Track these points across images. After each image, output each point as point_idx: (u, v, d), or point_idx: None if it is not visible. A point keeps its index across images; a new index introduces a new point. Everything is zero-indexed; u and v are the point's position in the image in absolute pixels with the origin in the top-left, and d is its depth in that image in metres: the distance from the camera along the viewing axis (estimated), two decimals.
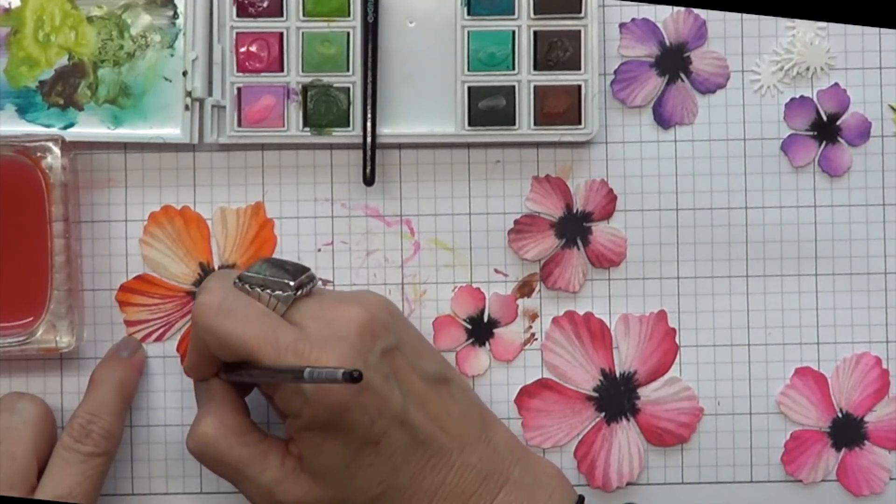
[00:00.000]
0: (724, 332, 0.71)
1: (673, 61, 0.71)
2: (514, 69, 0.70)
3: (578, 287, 0.71)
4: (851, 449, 0.71)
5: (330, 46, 0.70)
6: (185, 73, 0.70)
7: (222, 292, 0.64)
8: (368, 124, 0.69)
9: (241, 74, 0.70)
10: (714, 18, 0.71)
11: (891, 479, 0.71)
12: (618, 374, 0.71)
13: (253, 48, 0.70)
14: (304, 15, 0.70)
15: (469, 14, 0.70)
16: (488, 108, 0.70)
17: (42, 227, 0.68)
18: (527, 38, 0.70)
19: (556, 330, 0.71)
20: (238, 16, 0.70)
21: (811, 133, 0.71)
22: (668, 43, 0.71)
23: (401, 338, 0.65)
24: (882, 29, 0.71)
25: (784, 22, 0.71)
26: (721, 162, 0.71)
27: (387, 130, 0.70)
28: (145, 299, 0.71)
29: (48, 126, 0.70)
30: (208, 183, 0.71)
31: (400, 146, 0.71)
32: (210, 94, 0.70)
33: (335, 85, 0.70)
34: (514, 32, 0.70)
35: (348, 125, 0.70)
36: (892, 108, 0.71)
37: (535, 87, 0.70)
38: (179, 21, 0.70)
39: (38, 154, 0.67)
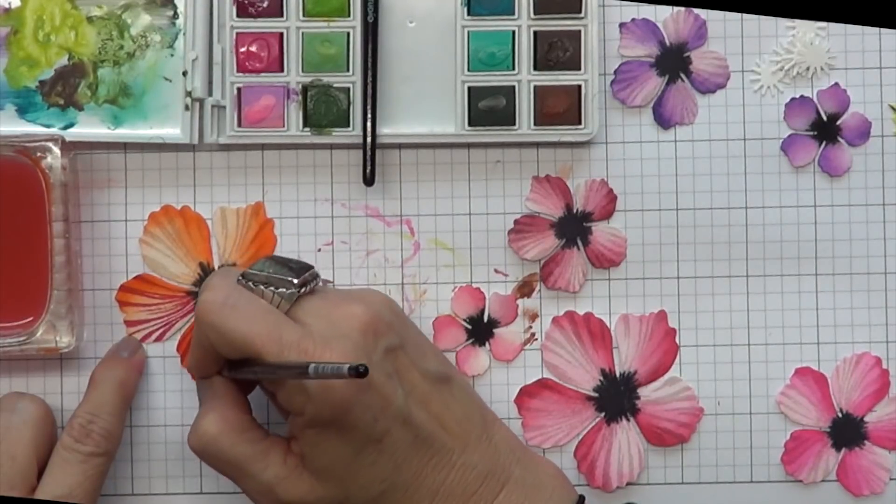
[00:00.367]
0: (724, 332, 0.71)
1: (673, 61, 0.71)
2: (514, 69, 0.70)
3: (578, 287, 0.71)
4: (851, 449, 0.71)
5: (330, 46, 0.70)
6: (185, 73, 0.70)
7: (226, 289, 0.64)
8: (368, 124, 0.69)
9: (241, 74, 0.70)
10: (714, 18, 0.71)
11: (891, 479, 0.71)
12: (618, 374, 0.71)
13: (253, 48, 0.70)
14: (304, 15, 0.70)
15: (469, 14, 0.70)
16: (488, 108, 0.70)
17: (42, 227, 0.68)
18: (527, 38, 0.70)
19: (556, 330, 0.71)
20: (238, 16, 0.70)
21: (811, 133, 0.71)
22: (668, 43, 0.71)
23: (404, 336, 0.65)
24: (882, 29, 0.71)
25: (784, 22, 0.71)
26: (721, 162, 0.71)
27: (387, 130, 0.70)
28: (145, 299, 0.71)
29: (48, 126, 0.70)
30: (208, 183, 0.71)
31: (400, 146, 0.71)
32: (210, 94, 0.70)
33: (335, 85, 0.70)
34: (514, 32, 0.70)
35: (348, 125, 0.70)
36: (892, 108, 0.71)
37: (535, 87, 0.70)
38: (179, 21, 0.70)
39: (38, 154, 0.67)
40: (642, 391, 0.71)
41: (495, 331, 0.71)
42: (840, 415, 0.71)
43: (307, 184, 0.71)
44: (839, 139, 0.71)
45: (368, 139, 0.69)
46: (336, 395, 0.61)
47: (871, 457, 0.71)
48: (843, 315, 0.71)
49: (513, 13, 0.70)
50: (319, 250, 0.71)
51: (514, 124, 0.70)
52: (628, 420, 0.71)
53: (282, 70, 0.70)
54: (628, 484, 0.71)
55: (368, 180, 0.69)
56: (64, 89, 0.70)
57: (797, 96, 0.71)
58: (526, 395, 0.71)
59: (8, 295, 0.68)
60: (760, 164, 0.71)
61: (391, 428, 0.63)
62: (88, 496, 0.66)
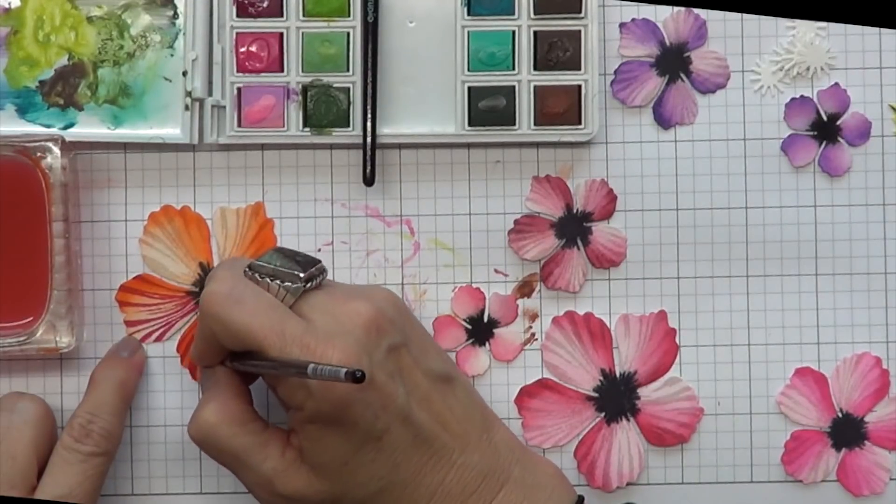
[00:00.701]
0: (724, 332, 0.71)
1: (673, 61, 0.71)
2: (514, 69, 0.70)
3: (578, 287, 0.71)
4: (851, 449, 0.71)
5: (330, 46, 0.70)
6: (185, 73, 0.70)
7: (231, 281, 0.64)
8: (368, 124, 0.69)
9: (241, 74, 0.70)
10: (714, 18, 0.71)
11: (891, 479, 0.71)
12: (618, 374, 0.71)
13: (253, 48, 0.70)
14: (304, 15, 0.70)
15: (469, 14, 0.70)
16: (488, 108, 0.70)
17: (42, 227, 0.68)
18: (527, 38, 0.70)
19: (556, 330, 0.71)
20: (238, 16, 0.70)
21: (811, 133, 0.71)
22: (668, 43, 0.71)
23: (408, 335, 0.65)
24: (882, 29, 0.71)
25: (784, 22, 0.71)
26: (721, 162, 0.71)
27: (387, 130, 0.70)
28: (145, 299, 0.71)
29: (48, 126, 0.70)
30: (208, 183, 0.71)
31: (400, 146, 0.71)
32: (210, 94, 0.70)
33: (335, 85, 0.70)
34: (514, 32, 0.70)
35: (348, 125, 0.70)
36: (892, 108, 0.71)
37: (535, 87, 0.70)
38: (179, 21, 0.70)
39: (38, 154, 0.67)
40: (642, 391, 0.71)
41: (495, 331, 0.71)
42: (840, 415, 0.71)
43: (307, 184, 0.71)
44: (839, 139, 0.71)
45: (368, 139, 0.69)
46: (336, 392, 0.61)
47: (871, 457, 0.71)
48: (843, 315, 0.71)
49: (513, 13, 0.70)
50: (319, 250, 0.71)
51: (514, 124, 0.70)
52: (628, 420, 0.71)
53: (282, 70, 0.70)
54: (628, 484, 0.71)
55: (368, 180, 0.69)
56: (64, 89, 0.70)
57: (797, 96, 0.71)
58: (526, 395, 0.71)
59: (8, 295, 0.68)
60: (760, 164, 0.71)
61: (391, 426, 0.63)
62: (88, 496, 0.66)
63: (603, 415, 0.71)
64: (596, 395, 0.71)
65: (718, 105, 0.71)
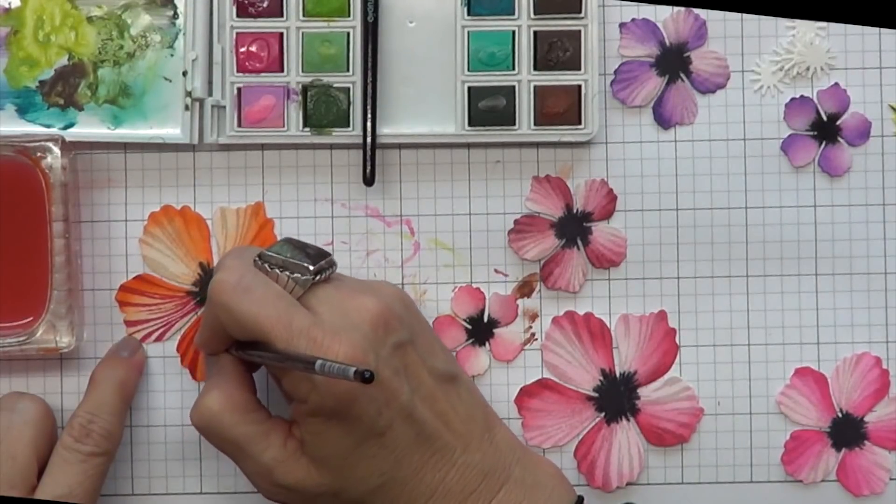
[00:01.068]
0: (724, 332, 0.71)
1: (673, 61, 0.71)
2: (514, 69, 0.70)
3: (578, 287, 0.71)
4: (851, 449, 0.71)
5: (330, 46, 0.70)
6: (185, 73, 0.70)
7: (240, 270, 0.63)
8: (368, 124, 0.69)
9: (241, 74, 0.70)
10: (714, 18, 0.71)
11: (891, 479, 0.71)
12: (618, 374, 0.71)
13: (253, 48, 0.70)
14: (304, 15, 0.70)
15: (469, 14, 0.70)
16: (488, 108, 0.70)
17: (42, 227, 0.68)
18: (527, 38, 0.70)
19: (556, 330, 0.71)
20: (238, 16, 0.70)
21: (811, 133, 0.71)
22: (668, 43, 0.71)
23: (414, 332, 0.65)
24: (882, 29, 0.71)
25: (784, 22, 0.71)
26: (721, 162, 0.71)
27: (387, 130, 0.70)
28: (145, 299, 0.71)
29: (48, 126, 0.70)
30: (208, 183, 0.71)
31: (400, 146, 0.71)
32: (210, 94, 0.70)
33: (335, 85, 0.70)
34: (514, 32, 0.70)
35: (348, 125, 0.70)
36: (892, 108, 0.71)
37: (535, 87, 0.70)
38: (179, 21, 0.70)
39: (38, 154, 0.67)
40: (642, 391, 0.71)
41: (495, 331, 0.71)
42: (840, 415, 0.71)
43: (307, 184, 0.71)
44: (839, 139, 0.71)
45: (368, 139, 0.69)
46: (341, 387, 0.61)
47: (871, 457, 0.71)
48: (843, 315, 0.71)
49: (513, 13, 0.70)
50: None
51: (514, 124, 0.70)
52: (628, 420, 0.71)
53: (282, 70, 0.70)
54: (628, 484, 0.71)
55: (368, 180, 0.69)
56: (64, 89, 0.70)
57: (797, 96, 0.71)
58: (526, 395, 0.71)
59: (8, 295, 0.68)
60: (760, 164, 0.71)
61: (394, 423, 0.63)
62: (88, 496, 0.66)
63: (603, 415, 0.71)
64: (596, 395, 0.71)
65: (718, 105, 0.71)
